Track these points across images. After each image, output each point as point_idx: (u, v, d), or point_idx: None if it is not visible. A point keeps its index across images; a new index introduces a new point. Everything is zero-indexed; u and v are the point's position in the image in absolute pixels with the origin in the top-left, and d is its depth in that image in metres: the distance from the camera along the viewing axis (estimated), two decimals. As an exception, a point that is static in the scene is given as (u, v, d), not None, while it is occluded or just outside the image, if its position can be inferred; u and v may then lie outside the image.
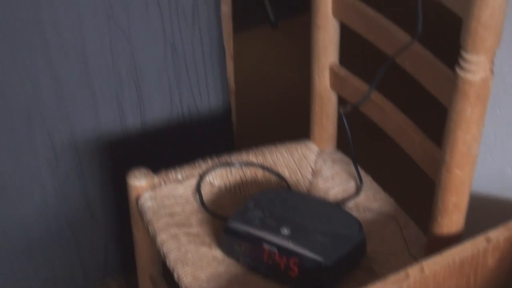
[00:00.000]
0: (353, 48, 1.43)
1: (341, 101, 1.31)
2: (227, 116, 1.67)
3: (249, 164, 1.34)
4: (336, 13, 1.20)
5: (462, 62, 0.95)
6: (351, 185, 1.32)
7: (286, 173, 1.34)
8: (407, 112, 1.18)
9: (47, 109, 1.44)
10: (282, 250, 1.09)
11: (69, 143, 1.50)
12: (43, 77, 1.40)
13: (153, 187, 1.29)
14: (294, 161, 1.36)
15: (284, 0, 2.88)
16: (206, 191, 1.30)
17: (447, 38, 1.38)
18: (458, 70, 0.96)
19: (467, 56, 0.94)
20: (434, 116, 1.21)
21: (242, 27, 2.50)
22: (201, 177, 1.32)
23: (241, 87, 1.85)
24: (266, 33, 2.68)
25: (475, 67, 0.94)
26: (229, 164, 1.34)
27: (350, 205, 1.28)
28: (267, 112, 2.26)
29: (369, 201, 1.28)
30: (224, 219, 1.21)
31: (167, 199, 1.27)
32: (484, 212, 1.24)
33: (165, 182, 1.30)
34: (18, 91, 1.39)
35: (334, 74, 1.27)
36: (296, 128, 1.50)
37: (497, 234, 1.02)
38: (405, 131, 1.16)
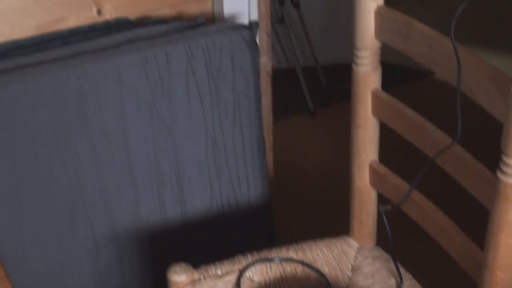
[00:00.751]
0: (392, 144, 1.44)
1: (381, 197, 1.31)
2: (267, 208, 1.68)
3: (289, 260, 1.34)
4: (376, 112, 1.21)
5: (503, 166, 0.95)
6: (392, 283, 1.30)
7: (325, 269, 1.33)
8: (447, 211, 1.18)
9: (90, 200, 1.46)
10: None
11: (110, 234, 1.52)
12: (87, 169, 1.43)
13: (193, 283, 1.29)
14: (333, 257, 1.36)
15: (322, 89, 2.92)
16: (245, 286, 1.30)
17: (488, 139, 1.39)
18: (499, 174, 0.96)
19: (508, 161, 0.94)
20: (475, 216, 1.21)
21: (281, 115, 2.54)
22: (241, 273, 1.32)
23: (280, 177, 1.86)
24: (305, 122, 2.72)
25: (517, 172, 0.95)
26: (269, 260, 1.34)
27: (391, 304, 1.26)
28: (306, 202, 2.26)
29: (410, 299, 1.27)
30: (263, 316, 1.20)
31: (207, 294, 1.28)
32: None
33: (204, 278, 1.30)
34: (63, 182, 1.42)
35: (373, 172, 1.28)
36: (336, 219, 1.50)
37: None
38: (445, 231, 1.16)
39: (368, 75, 1.19)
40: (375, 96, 1.20)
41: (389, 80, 1.31)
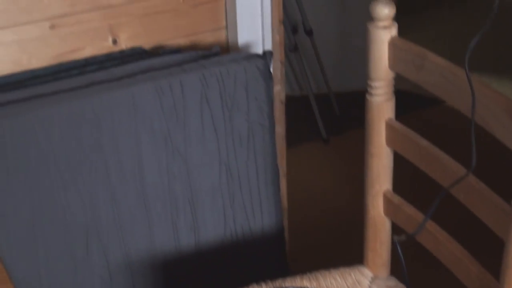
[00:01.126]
0: (406, 172, 1.44)
1: (395, 225, 1.31)
2: (281, 237, 1.68)
3: (303, 289, 1.34)
4: (390, 142, 1.22)
5: (518, 197, 0.96)
6: (406, 313, 1.30)
7: (339, 299, 1.33)
8: (462, 242, 1.18)
9: (104, 228, 1.47)
10: None
11: (124, 262, 1.52)
12: (101, 197, 1.44)
13: (206, 312, 1.29)
14: (347, 286, 1.35)
15: (335, 116, 2.93)
16: (259, 316, 1.30)
17: (503, 168, 1.39)
18: (514, 205, 0.96)
19: (523, 192, 0.94)
20: (491, 246, 1.20)
21: (294, 142, 2.54)
22: (255, 302, 1.32)
23: (294, 205, 1.86)
24: (318, 149, 2.72)
25: (532, 203, 0.95)
26: (282, 289, 1.34)
27: (405, 334, 1.26)
28: (319, 230, 2.26)
29: (425, 330, 1.26)
30: None
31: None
32: None
33: (218, 307, 1.30)
34: (77, 210, 1.43)
35: (387, 201, 1.28)
36: (350, 248, 1.50)
37: None
38: (460, 261, 1.15)
39: (382, 105, 1.19)
40: (389, 126, 1.20)
41: (402, 107, 1.32)
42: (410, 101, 2.84)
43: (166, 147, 1.47)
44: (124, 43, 1.56)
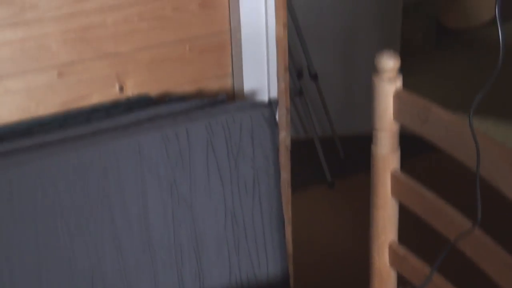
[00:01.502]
0: (412, 223, 1.44)
1: (401, 277, 1.31)
2: (286, 283, 1.67)
3: None
4: (395, 193, 1.22)
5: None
6: None
7: None
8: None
9: (109, 277, 1.46)
10: None
11: (128, 309, 1.52)
12: (106, 245, 1.44)
13: None
14: (353, 337, 1.35)
15: (340, 160, 2.93)
16: None
17: (510, 222, 1.38)
18: (520, 260, 0.96)
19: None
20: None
21: (299, 186, 2.54)
22: None
23: (299, 249, 1.85)
24: (323, 193, 2.71)
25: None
26: None
27: None
28: (325, 276, 2.25)
29: None
30: None
31: None
32: None
33: None
34: (82, 257, 1.42)
35: (393, 252, 1.27)
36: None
37: None
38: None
39: (387, 157, 1.20)
40: (394, 177, 1.20)
41: (407, 152, 1.32)
42: (416, 144, 2.85)
43: (171, 194, 1.47)
44: (131, 90, 1.57)
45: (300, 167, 2.57)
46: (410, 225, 1.42)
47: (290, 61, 2.37)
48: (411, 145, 1.52)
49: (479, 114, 1.02)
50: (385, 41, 2.98)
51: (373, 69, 1.17)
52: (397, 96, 1.14)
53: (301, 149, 2.87)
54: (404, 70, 1.17)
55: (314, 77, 2.83)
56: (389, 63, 1.13)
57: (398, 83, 1.15)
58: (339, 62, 3.00)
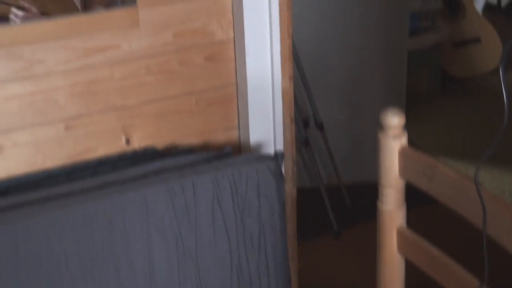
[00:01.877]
0: (419, 277, 1.43)
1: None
2: (291, 338, 1.66)
3: None
4: (402, 249, 1.21)
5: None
6: None
7: None
8: None
9: (113, 331, 1.45)
10: None
11: None
12: (111, 298, 1.43)
13: None
14: None
15: (347, 208, 2.92)
16: None
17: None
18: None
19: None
20: None
21: (305, 236, 2.53)
22: None
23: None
24: (330, 243, 2.70)
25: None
26: None
27: None
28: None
29: None
30: None
31: None
32: None
33: None
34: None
35: (400, 309, 1.26)
36: None
37: None
38: None
39: (393, 213, 1.20)
40: (400, 233, 1.20)
41: (414, 201, 1.31)
42: (422, 194, 2.84)
43: (177, 248, 1.46)
44: (137, 143, 1.58)
45: (306, 216, 2.56)
46: (416, 281, 1.40)
47: (296, 110, 2.38)
48: (418, 194, 1.51)
49: (485, 163, 1.01)
50: (391, 90, 2.99)
51: (378, 122, 1.17)
52: (402, 153, 1.14)
53: (307, 198, 2.85)
54: (409, 118, 1.17)
55: (320, 126, 2.84)
56: (394, 120, 1.14)
57: (404, 140, 1.15)
58: (345, 111, 3.01)
